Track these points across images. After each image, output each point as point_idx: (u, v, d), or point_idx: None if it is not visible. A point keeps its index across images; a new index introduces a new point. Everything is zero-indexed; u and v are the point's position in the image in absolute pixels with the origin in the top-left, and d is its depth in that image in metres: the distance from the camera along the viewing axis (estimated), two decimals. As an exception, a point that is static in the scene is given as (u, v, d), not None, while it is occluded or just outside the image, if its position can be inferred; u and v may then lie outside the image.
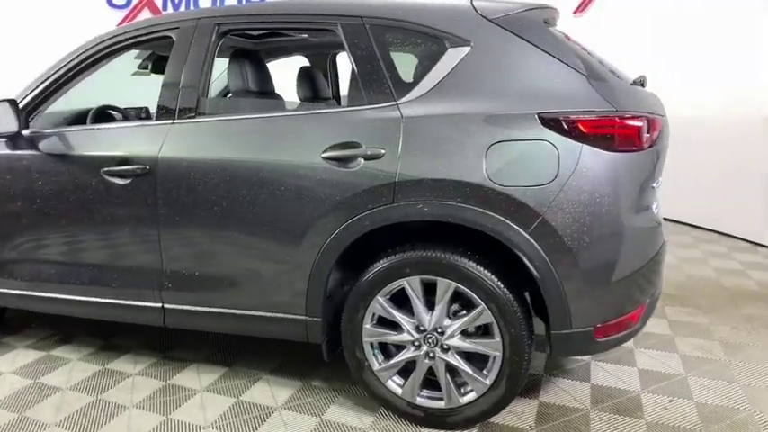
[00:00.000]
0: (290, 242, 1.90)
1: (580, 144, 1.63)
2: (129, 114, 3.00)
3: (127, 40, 2.21)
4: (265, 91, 2.24)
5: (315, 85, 2.64)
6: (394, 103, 1.81)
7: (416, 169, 1.72)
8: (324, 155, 1.82)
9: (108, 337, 2.69)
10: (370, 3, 1.96)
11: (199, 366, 2.40)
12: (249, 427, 1.95)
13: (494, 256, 1.79)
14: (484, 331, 1.85)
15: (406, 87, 1.83)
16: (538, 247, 1.66)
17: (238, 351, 2.52)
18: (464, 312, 1.84)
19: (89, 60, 2.23)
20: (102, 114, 2.69)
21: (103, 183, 2.10)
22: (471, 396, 1.87)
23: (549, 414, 1.99)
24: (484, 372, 1.84)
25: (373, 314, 1.91)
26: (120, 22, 5.64)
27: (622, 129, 1.64)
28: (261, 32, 2.52)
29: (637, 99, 1.78)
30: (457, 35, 1.80)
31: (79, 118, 2.65)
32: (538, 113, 1.66)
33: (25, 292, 2.37)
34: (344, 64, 3.42)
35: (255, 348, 2.51)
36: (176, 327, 2.23)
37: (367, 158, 1.77)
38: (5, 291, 2.40)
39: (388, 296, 1.88)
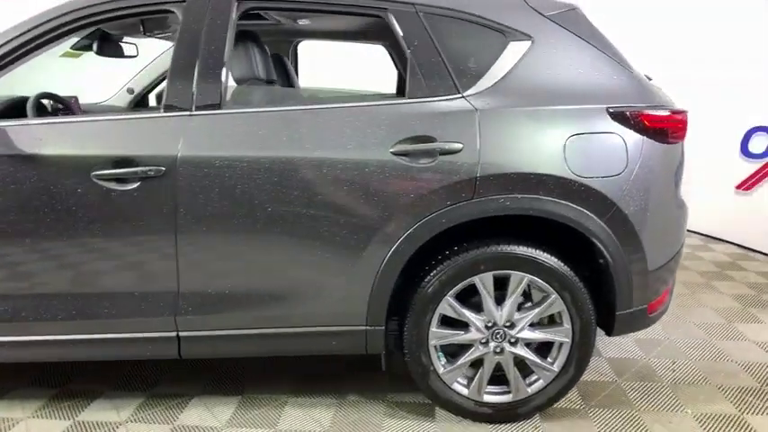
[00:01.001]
0: (352, 247, 1.72)
1: (642, 136, 1.76)
2: (70, 104, 2.41)
3: (110, 11, 1.77)
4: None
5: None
6: (460, 95, 1.74)
7: (499, 163, 1.68)
8: (393, 149, 1.69)
9: (53, 380, 2.16)
10: (423, -9, 1.86)
11: (204, 400, 2.05)
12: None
13: (554, 245, 1.84)
14: (549, 320, 1.90)
15: (470, 79, 1.77)
16: (612, 235, 1.75)
17: (252, 376, 2.22)
18: (529, 304, 1.87)
19: (54, 33, 1.74)
20: (42, 104, 2.12)
21: (94, 189, 1.67)
22: (539, 385, 1.90)
23: (590, 391, 2.12)
24: (548, 360, 1.89)
25: (439, 315, 1.83)
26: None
27: (674, 122, 1.81)
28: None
29: (665, 94, 1.97)
30: (517, 29, 1.80)
31: (11, 108, 2.06)
32: (607, 108, 1.75)
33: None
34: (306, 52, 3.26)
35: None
36: (193, 357, 1.87)
37: (443, 153, 1.69)
38: None
39: (455, 295, 1.82)
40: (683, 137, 1.87)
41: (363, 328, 1.82)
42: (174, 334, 1.81)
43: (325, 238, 1.72)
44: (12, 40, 1.72)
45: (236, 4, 1.77)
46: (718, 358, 2.38)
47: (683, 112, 1.85)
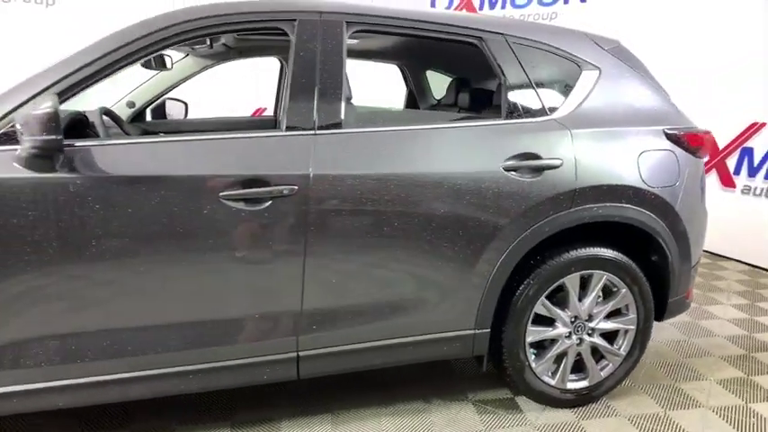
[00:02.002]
0: (469, 256, 1.85)
1: (685, 153, 2.12)
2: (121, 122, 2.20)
3: (221, 24, 1.72)
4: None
5: (466, 96, 2.47)
6: (550, 117, 1.97)
7: (593, 176, 1.93)
8: (503, 165, 1.85)
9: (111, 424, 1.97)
10: (509, 22, 2.06)
11: (295, 421, 2.02)
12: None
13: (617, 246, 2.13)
14: (616, 312, 2.18)
15: (555, 103, 2.01)
16: (671, 235, 2.08)
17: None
18: (600, 298, 2.13)
19: (163, 43, 1.64)
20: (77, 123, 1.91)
21: (223, 210, 1.61)
22: (609, 369, 2.17)
23: (632, 373, 2.44)
24: (616, 346, 2.17)
25: (533, 314, 2.02)
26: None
27: (706, 141, 2.20)
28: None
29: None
30: (588, 60, 2.08)
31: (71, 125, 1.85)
32: (663, 129, 2.08)
33: (54, 384, 1.59)
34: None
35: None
36: (310, 376, 1.84)
37: (547, 168, 1.89)
38: (19, 388, 1.56)
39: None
40: (707, 153, 2.28)
41: (472, 332, 1.95)
42: (293, 354, 1.79)
43: (444, 249, 1.83)
44: (124, 46, 1.60)
45: (346, 25, 1.82)
46: (707, 335, 2.87)
47: (709, 133, 2.25)
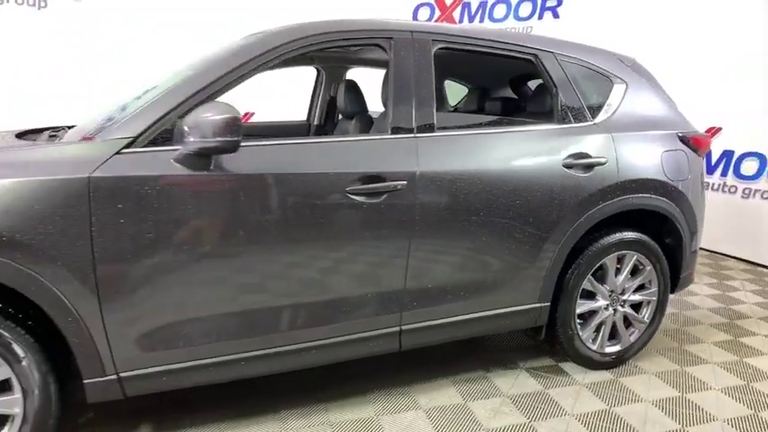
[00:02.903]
0: (537, 240, 2.18)
1: (692, 152, 2.57)
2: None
3: (333, 40, 1.95)
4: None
5: (525, 101, 2.74)
6: (592, 122, 2.35)
7: (631, 172, 2.32)
8: (563, 162, 2.20)
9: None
10: (556, 42, 2.41)
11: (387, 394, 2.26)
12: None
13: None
14: (641, 286, 2.58)
15: (594, 110, 2.39)
16: (686, 221, 2.51)
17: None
18: (630, 275, 2.53)
19: (280, 58, 1.85)
20: None
21: (348, 203, 1.84)
22: (636, 335, 2.57)
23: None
24: (641, 315, 2.57)
25: (581, 290, 2.39)
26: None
27: (706, 142, 2.67)
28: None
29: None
30: (617, 75, 2.48)
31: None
32: (677, 133, 2.52)
33: (205, 362, 1.76)
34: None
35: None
36: (409, 347, 2.10)
37: (596, 165, 2.26)
38: (184, 365, 1.73)
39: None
40: (706, 153, 2.75)
41: (536, 305, 2.28)
42: (397, 329, 2.04)
43: (518, 234, 2.15)
44: (252, 59, 1.80)
45: (432, 42, 2.11)
46: (693, 309, 3.37)
47: (708, 136, 2.72)
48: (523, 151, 2.18)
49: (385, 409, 2.16)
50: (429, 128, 2.03)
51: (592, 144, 2.29)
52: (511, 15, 5.89)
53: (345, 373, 2.39)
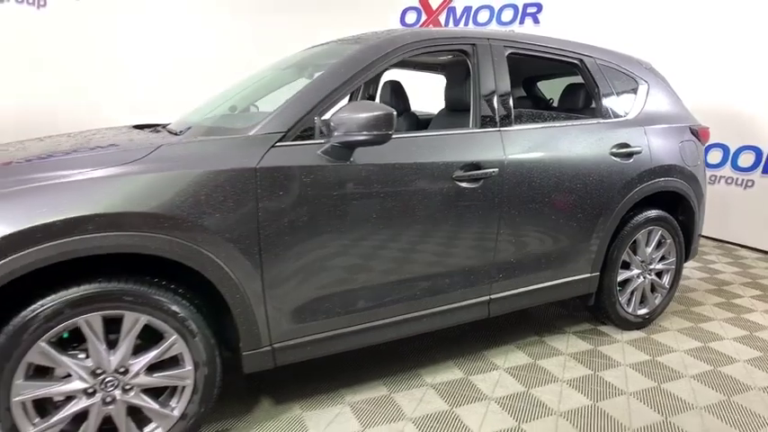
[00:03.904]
0: (593, 218, 2.55)
1: (699, 142, 3.04)
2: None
3: (428, 45, 2.21)
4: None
5: (574, 99, 2.99)
6: (627, 117, 2.75)
7: (660, 159, 2.74)
8: (610, 151, 2.58)
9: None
10: (596, 48, 2.79)
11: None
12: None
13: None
14: (662, 257, 3.01)
15: (626, 107, 2.78)
16: (697, 200, 2.97)
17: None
18: (650, 249, 2.96)
19: (390, 62, 2.10)
20: None
21: (454, 188, 2.12)
22: (659, 299, 3.00)
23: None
24: (662, 282, 3.01)
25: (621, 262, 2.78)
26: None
27: (708, 133, 3.14)
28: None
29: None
30: (641, 77, 2.90)
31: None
32: (689, 126, 2.97)
33: (342, 331, 1.98)
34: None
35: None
36: (496, 314, 2.40)
37: (635, 153, 2.65)
38: (325, 335, 1.93)
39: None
40: (706, 142, 3.23)
41: (591, 275, 2.65)
42: (487, 298, 2.33)
43: (579, 213, 2.51)
44: (369, 64, 2.03)
45: (504, 48, 2.42)
46: (685, 279, 3.89)
47: (708, 128, 3.20)
48: (580, 142, 2.53)
49: (471, 370, 2.45)
50: (509, 122, 2.34)
51: (630, 135, 2.68)
52: (494, 20, 6.33)
53: (430, 343, 2.66)
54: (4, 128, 4.55)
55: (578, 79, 2.80)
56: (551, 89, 3.68)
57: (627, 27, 5.39)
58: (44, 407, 1.61)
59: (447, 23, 6.52)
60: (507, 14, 6.25)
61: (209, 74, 5.68)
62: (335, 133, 1.82)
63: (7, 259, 1.41)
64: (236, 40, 5.91)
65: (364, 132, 1.79)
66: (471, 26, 6.44)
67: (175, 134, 2.08)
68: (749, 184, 4.76)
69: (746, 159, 4.77)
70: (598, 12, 5.63)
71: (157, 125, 2.55)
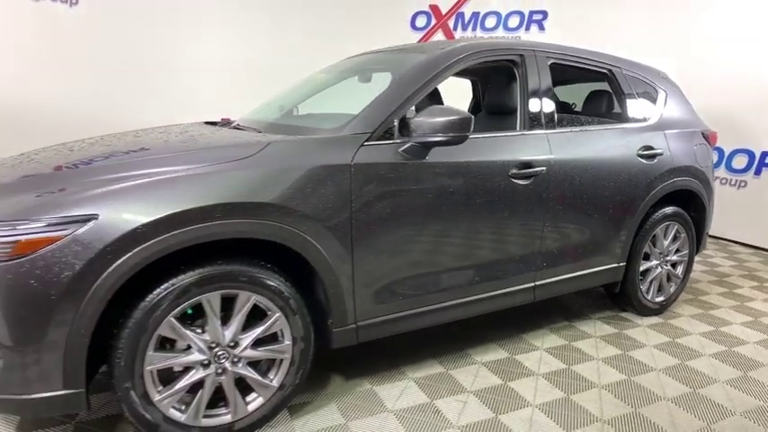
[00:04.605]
0: (622, 213, 2.82)
1: (709, 145, 3.34)
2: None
3: (490, 54, 2.45)
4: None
5: (598, 104, 3.20)
6: (648, 123, 3.03)
7: (679, 160, 3.03)
8: (637, 153, 2.86)
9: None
10: (622, 59, 3.06)
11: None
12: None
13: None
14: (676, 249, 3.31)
15: (648, 113, 3.07)
16: (707, 195, 3.27)
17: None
18: (667, 242, 3.25)
19: (457, 69, 2.33)
20: None
21: (510, 185, 2.36)
22: (673, 288, 3.29)
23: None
24: (677, 272, 3.30)
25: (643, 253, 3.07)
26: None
27: (716, 137, 3.45)
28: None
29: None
30: (659, 85, 3.19)
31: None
32: (701, 131, 3.27)
33: (413, 311, 2.20)
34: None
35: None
36: (539, 299, 2.65)
37: (658, 155, 2.93)
38: (399, 315, 2.15)
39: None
40: (714, 145, 3.54)
41: (618, 264, 2.93)
42: (533, 284, 2.58)
43: (611, 208, 2.78)
44: (440, 71, 2.26)
45: (546, 58, 2.67)
46: (692, 271, 4.21)
47: (716, 132, 3.50)
48: (613, 144, 2.80)
49: (515, 351, 2.70)
50: (553, 125, 2.59)
51: (653, 139, 2.97)
52: (500, 26, 6.61)
53: (474, 325, 2.90)
54: (32, 127, 4.64)
55: (600, 86, 3.08)
56: (567, 94, 3.96)
57: (626, 34, 5.72)
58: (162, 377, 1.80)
59: (455, 29, 6.78)
60: (513, 21, 6.53)
61: (235, 75, 5.85)
62: (416, 134, 2.04)
63: (157, 239, 1.61)
64: (249, 41, 6.08)
65: (446, 133, 2.02)
66: (479, 32, 6.72)
67: (258, 131, 2.28)
68: (742, 184, 5.13)
69: (740, 161, 5.14)
70: (599, 19, 5.95)
71: (228, 122, 2.73)
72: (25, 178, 1.80)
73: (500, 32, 6.63)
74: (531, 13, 6.43)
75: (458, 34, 6.77)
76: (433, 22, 6.81)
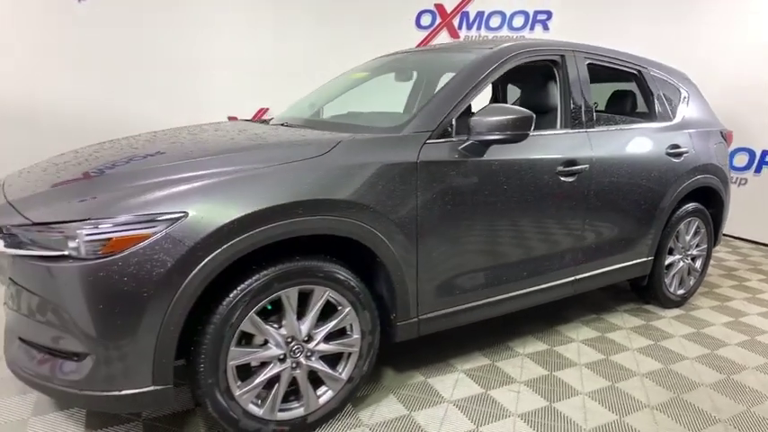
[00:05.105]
0: (652, 209, 2.93)
1: (726, 143, 3.48)
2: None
3: (535, 54, 2.53)
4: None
5: (623, 103, 3.29)
6: (674, 122, 3.14)
7: (701, 159, 3.15)
8: (665, 151, 2.97)
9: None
10: (648, 60, 3.17)
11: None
12: (641, 341, 2.87)
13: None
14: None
15: (673, 113, 3.18)
16: (725, 192, 3.41)
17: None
18: (689, 237, 3.37)
19: (505, 68, 2.39)
20: None
21: (557, 182, 2.44)
22: (693, 281, 3.43)
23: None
24: (697, 266, 3.43)
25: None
26: (421, 43, 6.69)
27: (732, 136, 3.59)
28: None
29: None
30: (682, 86, 3.31)
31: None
32: (719, 130, 3.40)
33: (469, 305, 2.27)
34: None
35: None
36: (579, 293, 2.74)
37: (684, 153, 3.05)
38: (457, 309, 2.21)
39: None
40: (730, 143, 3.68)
41: (648, 258, 3.04)
42: (573, 278, 2.67)
43: (642, 203, 2.88)
44: (492, 70, 2.32)
45: (584, 59, 2.75)
46: (698, 264, 4.37)
47: (731, 132, 3.64)
48: (645, 142, 2.91)
49: (553, 343, 2.79)
50: (592, 124, 2.68)
51: (679, 138, 3.08)
52: (505, 26, 6.70)
53: (512, 320, 2.97)
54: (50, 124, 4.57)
55: (624, 86, 3.19)
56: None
57: (630, 33, 5.86)
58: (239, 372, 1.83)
59: (460, 28, 6.85)
60: (518, 20, 6.63)
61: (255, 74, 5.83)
62: (474, 132, 2.10)
63: (244, 236, 1.64)
64: (253, 40, 6.06)
65: (506, 132, 2.08)
66: (483, 31, 6.80)
67: (312, 129, 2.31)
68: (743, 182, 5.33)
69: (741, 160, 5.33)
70: (603, 19, 6.09)
71: (263, 120, 2.75)
72: (108, 177, 1.80)
73: (504, 32, 6.73)
74: (536, 12, 6.53)
75: (462, 33, 6.84)
76: (438, 20, 6.86)
